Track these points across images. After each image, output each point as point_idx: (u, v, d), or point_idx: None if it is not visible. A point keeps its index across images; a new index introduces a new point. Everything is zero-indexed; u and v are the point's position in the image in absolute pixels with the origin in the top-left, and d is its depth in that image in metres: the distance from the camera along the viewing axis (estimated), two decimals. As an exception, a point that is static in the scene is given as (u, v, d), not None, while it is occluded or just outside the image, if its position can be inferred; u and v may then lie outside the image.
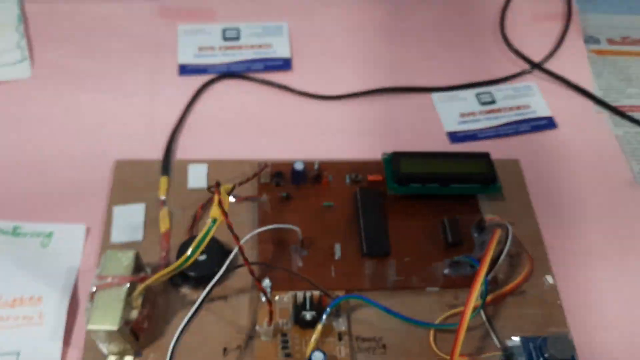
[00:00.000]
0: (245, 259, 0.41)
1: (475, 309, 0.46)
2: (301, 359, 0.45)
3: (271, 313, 0.45)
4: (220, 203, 0.40)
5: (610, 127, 0.65)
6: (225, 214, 0.40)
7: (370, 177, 0.56)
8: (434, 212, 0.55)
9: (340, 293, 0.49)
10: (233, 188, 0.44)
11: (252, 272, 0.42)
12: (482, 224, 0.52)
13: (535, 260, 0.53)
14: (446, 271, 0.51)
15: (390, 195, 0.55)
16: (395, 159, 0.54)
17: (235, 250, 0.41)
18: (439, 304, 0.50)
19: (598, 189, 0.60)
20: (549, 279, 0.52)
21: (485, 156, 0.56)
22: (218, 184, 0.41)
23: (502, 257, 0.47)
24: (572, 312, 0.51)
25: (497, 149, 0.61)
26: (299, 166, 0.54)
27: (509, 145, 0.62)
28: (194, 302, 0.48)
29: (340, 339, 0.47)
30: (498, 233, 0.44)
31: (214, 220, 0.40)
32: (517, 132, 0.63)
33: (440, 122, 0.63)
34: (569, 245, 0.55)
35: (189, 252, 0.41)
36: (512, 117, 0.64)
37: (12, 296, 0.48)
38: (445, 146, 0.62)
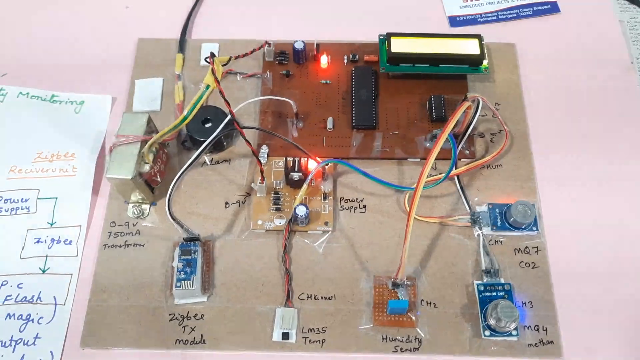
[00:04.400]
0: (235, 122, 0.47)
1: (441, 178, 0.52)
2: (289, 212, 0.52)
3: (262, 171, 0.51)
4: (213, 72, 0.46)
5: (616, 12, 0.65)
6: (217, 81, 0.46)
7: (367, 58, 0.60)
8: (423, 90, 0.59)
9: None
10: (229, 60, 0.49)
11: (242, 134, 0.48)
12: (466, 101, 0.56)
13: (515, 137, 0.57)
14: (427, 144, 0.56)
15: (384, 74, 0.59)
16: (387, 39, 0.58)
17: (229, 117, 0.47)
18: (419, 172, 0.55)
19: (592, 74, 0.61)
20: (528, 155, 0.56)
21: (476, 37, 0.58)
22: (213, 55, 0.47)
23: (470, 128, 0.51)
24: (544, 188, 0.55)
25: (496, 33, 0.64)
26: (299, 45, 0.59)
27: (509, 29, 0.64)
28: (201, 163, 0.56)
29: (325, 198, 0.54)
30: (465, 105, 0.48)
31: (207, 87, 0.46)
32: (518, 17, 0.65)
33: (443, 6, 0.66)
34: (553, 126, 0.58)
35: (185, 112, 0.47)
36: (515, 0, 0.65)
37: (50, 152, 0.56)
38: (445, 30, 0.64)
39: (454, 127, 0.51)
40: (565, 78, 0.61)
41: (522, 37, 0.63)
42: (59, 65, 0.62)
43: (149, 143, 0.49)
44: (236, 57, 0.52)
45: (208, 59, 0.47)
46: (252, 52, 0.56)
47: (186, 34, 0.63)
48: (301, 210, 0.50)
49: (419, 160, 0.56)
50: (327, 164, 0.53)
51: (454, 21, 0.64)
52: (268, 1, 0.66)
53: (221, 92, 0.46)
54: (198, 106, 0.47)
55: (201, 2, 0.66)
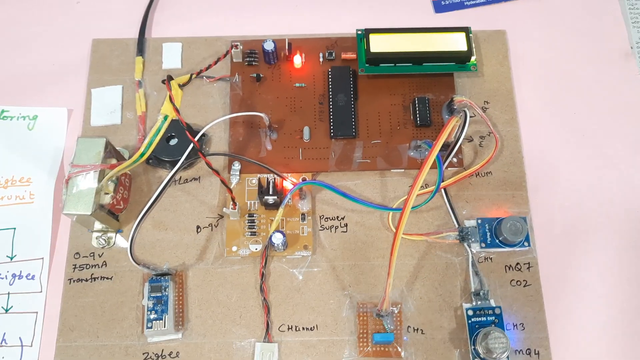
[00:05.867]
0: (201, 152, 0.43)
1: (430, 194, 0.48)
2: (266, 237, 0.49)
3: (233, 199, 0.47)
4: (171, 99, 0.41)
5: (615, -10, 0.60)
6: (176, 110, 0.41)
7: (345, 55, 0.55)
8: (407, 90, 0.54)
9: (307, 175, 0.52)
10: (189, 80, 0.44)
11: (208, 164, 0.44)
12: (452, 105, 0.51)
13: (506, 139, 0.53)
14: (411, 153, 0.52)
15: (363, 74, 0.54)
16: (366, 37, 0.53)
17: (191, 145, 0.43)
18: (403, 184, 0.52)
19: (588, 62, 0.57)
20: (518, 160, 0.53)
21: (464, 30, 0.53)
22: (170, 78, 0.42)
23: (458, 144, 0.47)
24: (536, 196, 0.52)
25: (485, 19, 0.58)
26: (268, 46, 0.53)
27: (499, 13, 0.59)
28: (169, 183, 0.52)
29: (303, 219, 0.50)
30: (452, 121, 0.44)
31: (165, 117, 0.42)
32: (509, -1, 0.59)
33: (427, -11, 0.60)
34: (546, 124, 0.54)
35: (142, 149, 0.42)
36: (506, -19, 0.59)
37: (4, 177, 0.52)
38: (430, 16, 0.59)
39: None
40: (558, 67, 0.57)
41: (514, 22, 0.58)
42: (4, 74, 0.56)
43: (106, 177, 0.45)
44: (198, 74, 0.47)
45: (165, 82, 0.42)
46: (216, 62, 0.51)
47: (145, 32, 0.57)
48: (277, 239, 0.47)
49: (402, 171, 0.52)
50: (303, 186, 0.49)
51: (438, 6, 0.59)
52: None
53: (182, 123, 0.42)
54: (156, 140, 0.42)
55: (160, -5, 0.60)
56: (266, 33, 0.56)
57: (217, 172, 0.44)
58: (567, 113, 0.55)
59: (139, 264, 0.43)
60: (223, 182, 0.45)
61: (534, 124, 0.54)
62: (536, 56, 0.57)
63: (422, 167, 0.43)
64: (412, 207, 0.47)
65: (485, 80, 0.55)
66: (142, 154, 0.43)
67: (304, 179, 0.51)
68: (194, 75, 0.45)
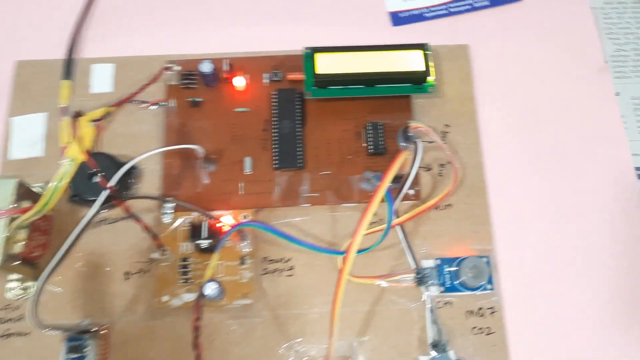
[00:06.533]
0: (119, 199, 0.38)
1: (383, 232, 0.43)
2: (202, 283, 0.44)
3: (160, 246, 0.42)
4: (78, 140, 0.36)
5: (588, -2, 0.55)
6: (87, 152, 0.36)
7: (290, 76, 0.50)
8: (359, 114, 0.49)
9: (249, 212, 0.47)
10: (104, 114, 0.39)
11: (127, 211, 0.39)
12: (407, 132, 0.46)
13: (468, 168, 0.49)
14: (363, 185, 0.47)
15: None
16: (312, 56, 0.48)
17: (107, 192, 0.38)
18: (355, 220, 0.46)
19: (558, 79, 0.52)
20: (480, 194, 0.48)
21: (420, 48, 0.48)
22: (78, 114, 0.37)
23: (410, 180, 0.42)
24: (501, 231, 0.47)
25: (447, 31, 0.53)
26: (205, 68, 0.48)
27: (461, 25, 0.54)
28: (98, 222, 0.47)
29: (243, 262, 0.45)
30: (402, 156, 0.39)
31: (72, 161, 0.37)
32: (473, 9, 0.54)
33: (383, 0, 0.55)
34: (512, 149, 0.50)
35: (43, 199, 0.37)
36: (470, -10, 0.54)
37: None
38: (386, 30, 0.54)
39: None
40: (525, 85, 0.52)
41: (478, 35, 0.53)
42: None
43: (14, 225, 0.40)
44: (119, 104, 0.42)
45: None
46: (143, 87, 0.45)
47: (73, 52, 0.52)
48: (211, 289, 0.42)
49: (355, 205, 0.47)
50: (238, 229, 0.44)
51: (396, 18, 0.54)
52: (172, 6, 0.55)
53: (92, 167, 0.36)
54: (60, 190, 0.37)
55: (92, 12, 0.54)
56: (207, 51, 0.51)
57: (138, 219, 0.40)
58: (536, 135, 0.50)
59: (46, 328, 0.38)
60: (146, 229, 0.40)
61: (498, 149, 0.49)
62: (501, 73, 0.52)
63: (368, 207, 0.39)
64: (359, 252, 0.42)
65: (446, 101, 0.51)
66: (47, 203, 0.38)
67: (245, 217, 0.46)
68: (111, 108, 0.39)
